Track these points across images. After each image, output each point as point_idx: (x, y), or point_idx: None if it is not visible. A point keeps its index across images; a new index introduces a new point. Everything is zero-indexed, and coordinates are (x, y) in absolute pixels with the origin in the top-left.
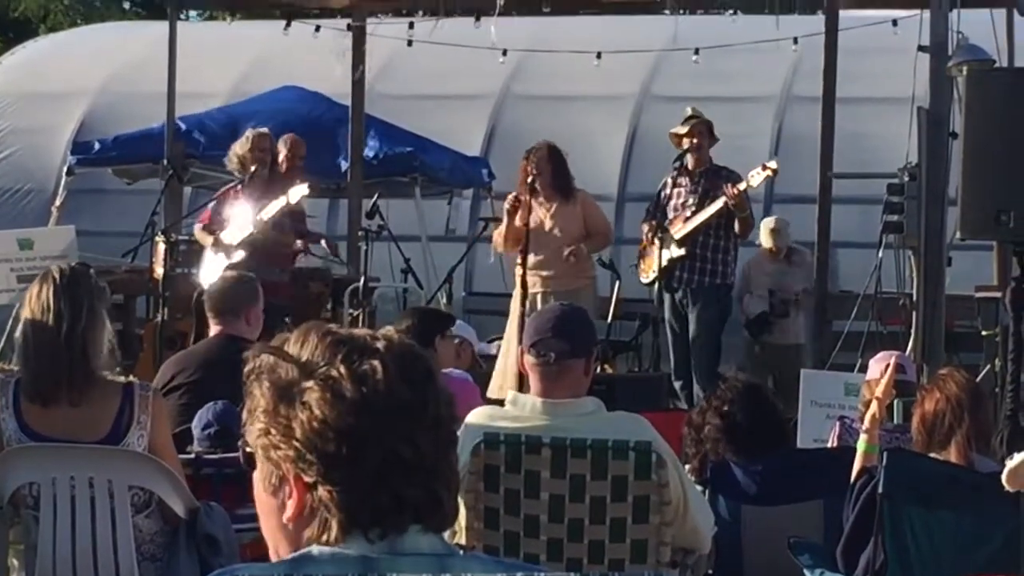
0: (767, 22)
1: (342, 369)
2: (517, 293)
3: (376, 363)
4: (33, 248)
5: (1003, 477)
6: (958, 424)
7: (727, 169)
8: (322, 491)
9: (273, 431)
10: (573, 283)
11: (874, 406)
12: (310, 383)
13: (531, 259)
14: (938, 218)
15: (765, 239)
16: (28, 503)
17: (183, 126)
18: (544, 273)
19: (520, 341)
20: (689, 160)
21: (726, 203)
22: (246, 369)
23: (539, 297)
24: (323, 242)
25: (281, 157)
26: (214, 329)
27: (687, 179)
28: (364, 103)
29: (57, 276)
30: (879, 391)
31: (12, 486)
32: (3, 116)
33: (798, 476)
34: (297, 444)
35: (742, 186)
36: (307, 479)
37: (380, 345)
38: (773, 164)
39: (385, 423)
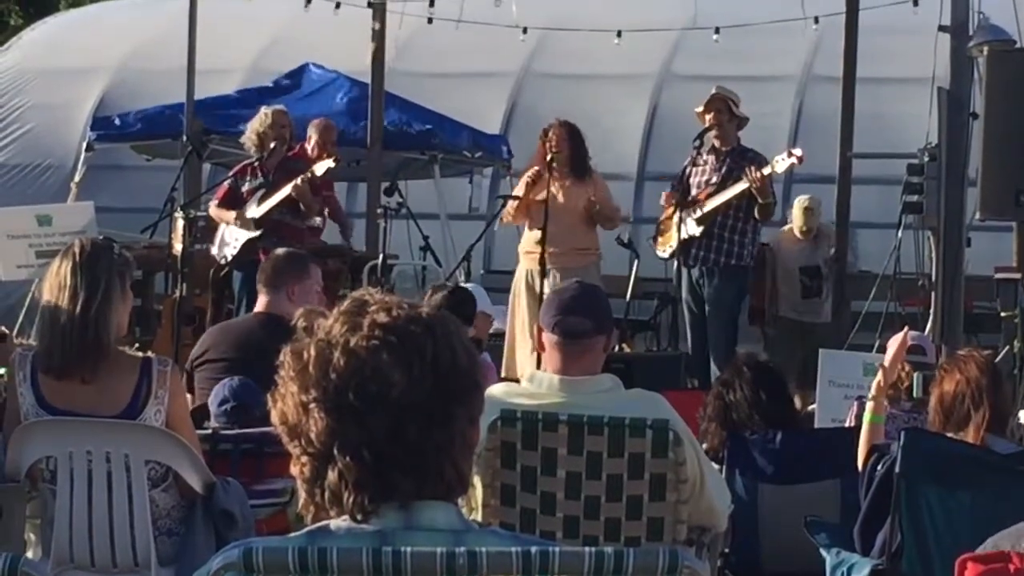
0: (788, 1)
1: (312, 349)
2: (522, 268)
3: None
4: (52, 224)
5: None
6: (977, 406)
7: (753, 151)
8: (294, 464)
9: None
10: (580, 261)
11: (880, 374)
12: (287, 357)
13: (541, 233)
14: (958, 198)
15: (797, 217)
16: (45, 477)
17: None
18: (551, 249)
19: (530, 316)
20: (715, 139)
21: (749, 186)
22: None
23: (549, 274)
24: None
25: (312, 143)
26: (259, 302)
27: (713, 157)
28: (384, 81)
29: (77, 252)
30: (887, 359)
31: (29, 460)
32: (23, 92)
33: (816, 455)
34: (275, 413)
35: (767, 171)
36: (291, 449)
37: (380, 320)
38: (799, 152)
39: (340, 406)
